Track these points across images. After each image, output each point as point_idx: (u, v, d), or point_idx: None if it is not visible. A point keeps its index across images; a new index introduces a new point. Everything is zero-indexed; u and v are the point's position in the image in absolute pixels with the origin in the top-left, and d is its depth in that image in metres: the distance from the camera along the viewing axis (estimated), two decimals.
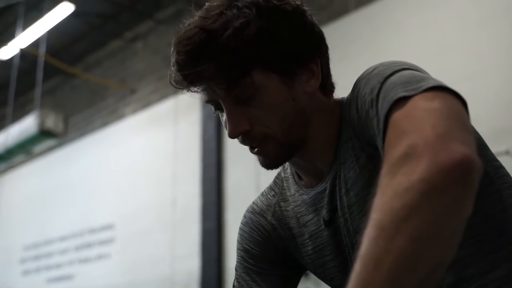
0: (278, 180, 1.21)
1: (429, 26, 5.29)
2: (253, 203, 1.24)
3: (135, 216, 7.88)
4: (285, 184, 1.18)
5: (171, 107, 7.87)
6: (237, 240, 1.23)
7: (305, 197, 1.11)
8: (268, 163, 1.04)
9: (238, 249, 1.23)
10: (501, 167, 1.00)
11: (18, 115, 9.15)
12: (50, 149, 9.60)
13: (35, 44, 8.07)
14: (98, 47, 9.36)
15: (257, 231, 1.19)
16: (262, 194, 1.23)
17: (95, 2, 8.10)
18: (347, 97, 1.04)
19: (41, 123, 6.87)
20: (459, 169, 0.65)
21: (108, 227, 8.36)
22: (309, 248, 1.13)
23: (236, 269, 1.23)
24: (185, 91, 1.02)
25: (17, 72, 8.37)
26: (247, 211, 1.24)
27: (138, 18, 8.55)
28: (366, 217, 0.91)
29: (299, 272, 1.24)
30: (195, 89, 1.00)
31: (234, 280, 1.23)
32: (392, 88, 0.82)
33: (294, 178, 1.15)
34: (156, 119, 8.09)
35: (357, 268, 0.64)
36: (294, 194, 1.14)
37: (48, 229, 9.56)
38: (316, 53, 1.03)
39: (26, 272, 9.96)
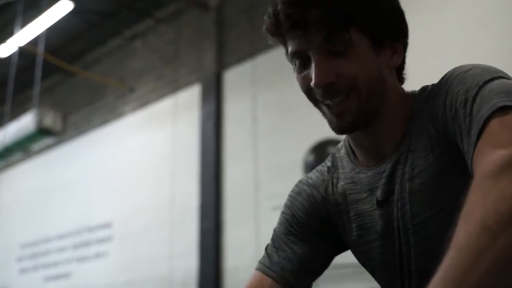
0: (332, 159, 1.26)
1: (429, 26, 5.28)
2: (307, 176, 1.28)
3: (133, 215, 7.86)
4: (339, 163, 1.23)
5: (170, 106, 7.85)
6: (285, 205, 1.28)
7: (362, 175, 1.15)
8: (342, 124, 1.07)
9: (284, 213, 1.27)
10: None
11: (16, 113, 9.12)
12: (48, 147, 9.59)
13: (34, 42, 8.05)
14: (97, 45, 9.35)
15: (309, 202, 1.24)
16: (316, 170, 1.28)
17: (95, 0, 8.08)
18: (429, 88, 1.09)
19: (40, 121, 6.83)
20: None
21: (106, 225, 8.34)
22: (356, 225, 1.17)
23: (275, 230, 1.27)
24: (274, 39, 1.07)
25: (16, 70, 8.34)
26: (300, 182, 1.29)
27: (138, 16, 8.54)
28: (430, 205, 1.02)
29: (336, 250, 1.27)
30: (292, 34, 1.03)
31: (270, 242, 1.27)
32: (494, 94, 0.86)
33: (349, 157, 1.20)
34: (155, 117, 8.08)
35: (455, 257, 0.68)
36: (348, 172, 1.19)
37: (46, 228, 9.54)
38: (402, 35, 1.10)
39: (23, 270, 9.93)
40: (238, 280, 6.00)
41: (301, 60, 1.05)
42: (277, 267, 1.22)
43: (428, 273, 0.73)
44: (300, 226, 1.24)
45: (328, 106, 1.06)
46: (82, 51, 9.47)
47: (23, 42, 8.13)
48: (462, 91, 0.94)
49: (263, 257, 1.26)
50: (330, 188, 1.23)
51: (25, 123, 7.05)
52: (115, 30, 8.89)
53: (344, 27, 1.00)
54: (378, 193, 1.12)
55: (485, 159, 0.78)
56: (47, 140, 7.54)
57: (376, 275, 1.21)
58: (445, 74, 1.03)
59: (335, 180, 1.22)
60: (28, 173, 10.41)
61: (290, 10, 1.00)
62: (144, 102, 8.35)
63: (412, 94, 1.13)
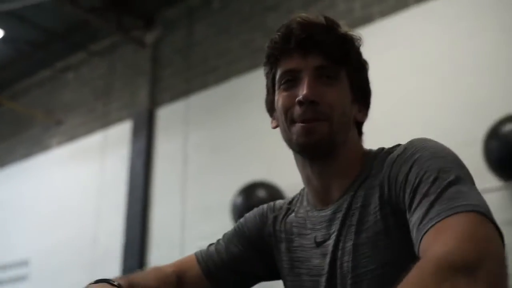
0: (299, 193, 1.37)
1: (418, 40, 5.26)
2: (278, 201, 1.42)
3: (53, 253, 7.55)
4: (300, 198, 1.34)
5: (99, 141, 7.69)
6: (244, 216, 1.42)
7: (310, 214, 1.26)
8: (309, 140, 1.16)
9: (239, 221, 1.41)
10: None
11: None
12: None
13: None
14: (26, 76, 9.08)
15: (261, 219, 1.37)
16: (287, 198, 1.41)
17: (26, 29, 7.89)
18: (386, 150, 1.19)
19: None
20: None
21: (23, 263, 7.95)
22: (293, 256, 1.28)
23: (224, 234, 1.41)
24: (271, 58, 1.21)
25: None
26: (268, 203, 1.42)
27: (71, 48, 8.39)
28: (372, 260, 1.09)
29: (266, 273, 1.38)
30: (296, 51, 1.17)
31: (215, 243, 1.41)
32: (459, 198, 0.92)
33: (307, 196, 1.30)
34: (83, 152, 7.88)
35: None
36: (303, 207, 1.30)
37: None
38: (367, 106, 1.26)
39: None
40: None
41: (290, 79, 1.18)
42: (206, 255, 1.37)
43: None
44: (244, 235, 1.37)
45: (302, 123, 1.16)
46: (10, 80, 9.16)
47: None
48: (420, 173, 1.01)
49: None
50: (281, 215, 1.34)
51: None
52: (46, 61, 8.68)
53: (340, 61, 1.18)
54: (318, 234, 1.21)
55: (429, 250, 0.84)
56: None
57: None
58: (409, 145, 1.11)
59: (289, 211, 1.33)
60: None
61: (303, 28, 1.16)
62: (72, 136, 8.14)
63: (369, 152, 1.24)
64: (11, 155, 9.00)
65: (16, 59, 8.66)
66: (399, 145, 1.16)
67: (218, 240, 1.41)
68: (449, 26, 5.02)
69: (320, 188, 1.24)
